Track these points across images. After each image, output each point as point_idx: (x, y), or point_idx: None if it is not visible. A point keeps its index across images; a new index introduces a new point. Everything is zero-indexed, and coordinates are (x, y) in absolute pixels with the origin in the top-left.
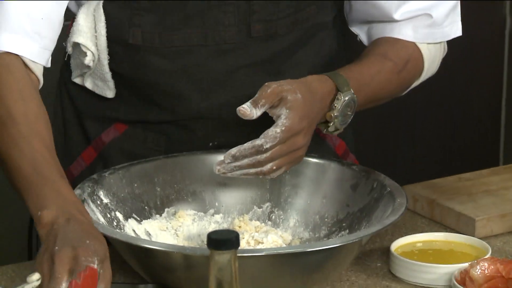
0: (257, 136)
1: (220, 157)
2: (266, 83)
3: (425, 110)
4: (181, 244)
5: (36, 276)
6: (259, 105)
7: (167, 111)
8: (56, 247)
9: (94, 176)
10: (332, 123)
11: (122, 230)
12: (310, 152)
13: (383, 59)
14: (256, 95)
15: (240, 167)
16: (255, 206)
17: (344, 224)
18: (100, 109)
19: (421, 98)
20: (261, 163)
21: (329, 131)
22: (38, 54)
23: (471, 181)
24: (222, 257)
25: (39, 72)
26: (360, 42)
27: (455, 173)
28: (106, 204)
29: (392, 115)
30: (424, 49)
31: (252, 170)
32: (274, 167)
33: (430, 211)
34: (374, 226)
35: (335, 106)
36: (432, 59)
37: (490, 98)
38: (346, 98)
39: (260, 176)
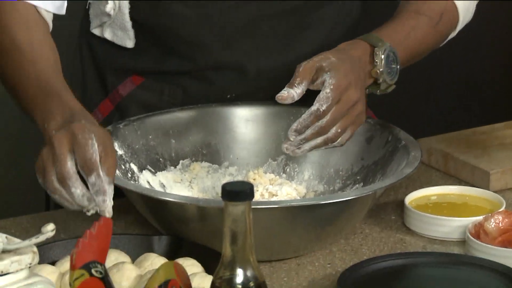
0: (275, 89)
1: (235, 110)
2: (297, 65)
3: (440, 64)
4: (195, 196)
5: (50, 227)
6: (296, 84)
7: (187, 61)
8: (53, 132)
9: (109, 127)
10: (381, 79)
11: (137, 182)
12: None
13: (416, 15)
14: (292, 79)
15: (306, 139)
16: (270, 159)
17: (358, 177)
18: (119, 60)
19: (436, 52)
20: (324, 129)
21: (382, 89)
22: (48, 1)
23: (486, 135)
24: (236, 208)
25: (49, 18)
26: None
27: (469, 126)
28: (121, 155)
29: (407, 69)
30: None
31: (319, 140)
32: (339, 130)
33: (445, 165)
34: (388, 179)
35: (376, 62)
36: (466, 9)
37: (504, 51)
38: (384, 50)
39: (330, 144)
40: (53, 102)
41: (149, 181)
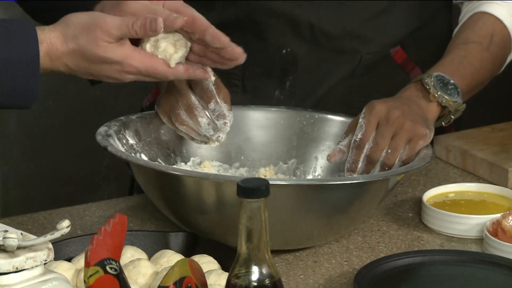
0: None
1: (249, 112)
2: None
3: None
4: None
5: (66, 223)
6: (342, 139)
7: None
8: None
9: (122, 118)
10: (444, 101)
11: None
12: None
13: (465, 45)
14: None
15: (366, 172)
16: (280, 162)
17: None
18: None
19: None
20: (373, 156)
21: (453, 111)
22: None
23: (504, 132)
24: (252, 205)
25: None
26: None
27: (488, 123)
28: (132, 145)
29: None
30: (506, 19)
31: (377, 168)
32: (389, 151)
33: (463, 162)
34: (397, 169)
35: (429, 88)
36: None
37: None
38: (430, 76)
39: (386, 168)
40: None
41: None
